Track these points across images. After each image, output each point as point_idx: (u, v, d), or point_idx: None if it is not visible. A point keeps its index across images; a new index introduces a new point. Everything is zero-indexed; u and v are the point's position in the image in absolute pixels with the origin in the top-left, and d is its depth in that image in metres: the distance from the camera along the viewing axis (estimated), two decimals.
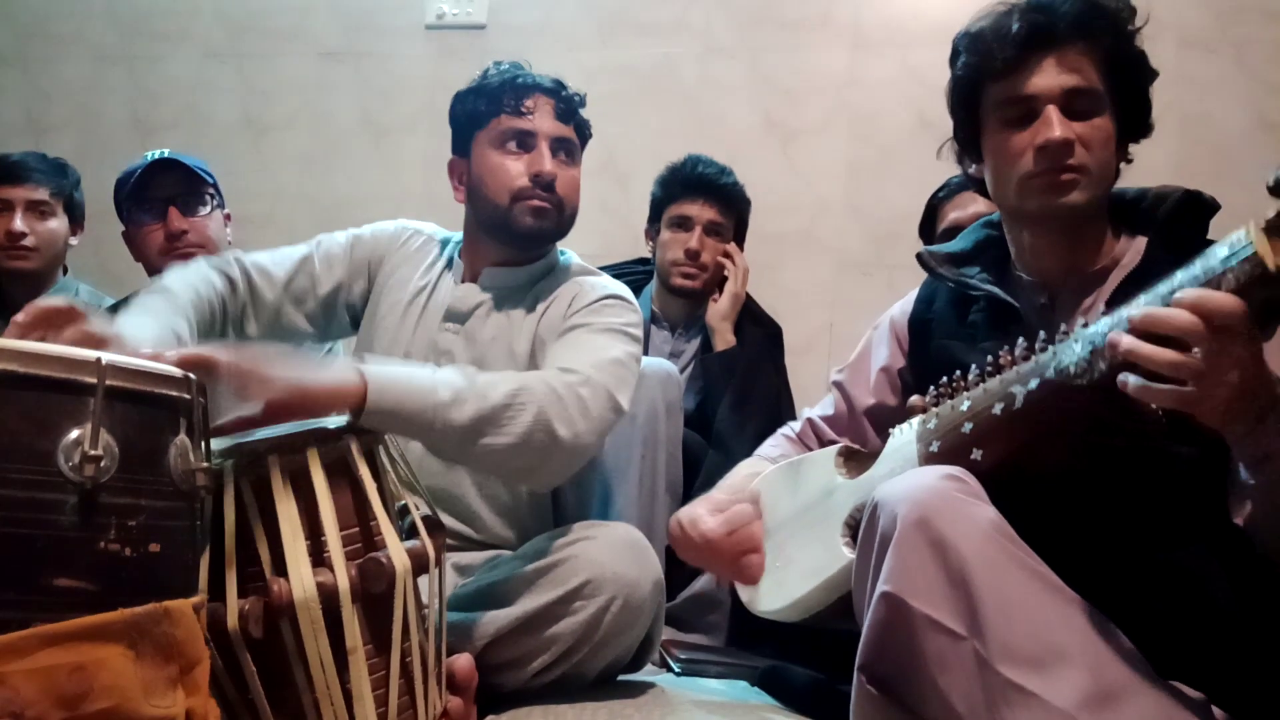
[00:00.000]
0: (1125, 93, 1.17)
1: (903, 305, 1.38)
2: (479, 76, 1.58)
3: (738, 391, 2.11)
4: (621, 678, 1.47)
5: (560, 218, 1.53)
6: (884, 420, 1.31)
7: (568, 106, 1.54)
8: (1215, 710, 0.96)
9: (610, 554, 1.32)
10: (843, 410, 1.40)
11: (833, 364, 2.52)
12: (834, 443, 1.37)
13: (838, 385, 1.42)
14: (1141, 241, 1.17)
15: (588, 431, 1.29)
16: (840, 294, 2.65)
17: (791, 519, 1.26)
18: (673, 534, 1.33)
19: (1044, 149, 1.13)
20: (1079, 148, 1.13)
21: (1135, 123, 1.19)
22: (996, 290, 1.22)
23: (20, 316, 1.04)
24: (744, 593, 1.30)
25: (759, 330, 2.29)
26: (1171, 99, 2.51)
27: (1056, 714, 0.86)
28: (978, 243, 1.30)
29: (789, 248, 2.68)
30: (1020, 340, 1.06)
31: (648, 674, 1.55)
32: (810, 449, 1.40)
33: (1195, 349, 0.85)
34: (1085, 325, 0.98)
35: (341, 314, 1.58)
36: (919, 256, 1.32)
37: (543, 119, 1.52)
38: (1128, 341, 0.88)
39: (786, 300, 2.54)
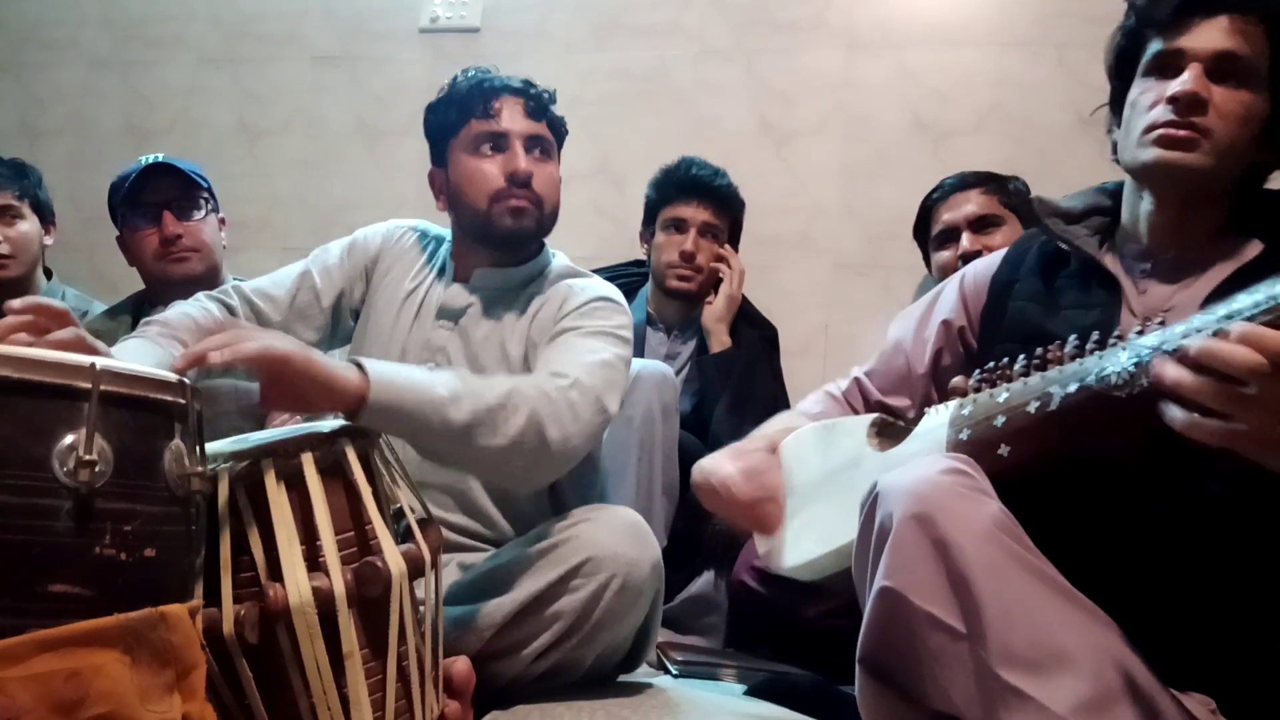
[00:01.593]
0: None
1: (984, 262, 1.33)
2: (447, 86, 1.59)
3: (734, 393, 2.12)
4: (619, 679, 1.47)
5: (541, 215, 1.53)
6: (940, 373, 1.29)
7: (537, 104, 1.55)
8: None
9: (610, 534, 1.33)
10: (897, 365, 1.35)
11: (829, 365, 2.54)
12: (879, 401, 1.35)
13: (896, 341, 1.36)
14: (1255, 244, 1.12)
15: (577, 435, 1.30)
16: (836, 295, 2.66)
17: (817, 481, 1.25)
18: (694, 481, 1.30)
19: (1173, 100, 1.09)
20: (1212, 111, 1.09)
21: None
22: (1097, 255, 1.18)
23: (16, 303, 1.05)
24: (761, 545, 1.28)
25: (755, 332, 2.30)
26: None
27: (1054, 719, 0.85)
28: (1088, 206, 1.25)
29: (784, 249, 2.68)
30: (1073, 338, 1.03)
31: (645, 675, 1.55)
32: (855, 409, 1.37)
33: (1248, 386, 0.80)
34: (1140, 333, 0.95)
35: (347, 320, 1.61)
36: (1031, 201, 1.27)
37: (512, 119, 1.53)
38: (1174, 373, 0.84)
39: (782, 302, 2.54)
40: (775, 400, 2.18)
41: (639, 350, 2.23)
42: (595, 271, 1.80)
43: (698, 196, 2.26)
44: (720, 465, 1.27)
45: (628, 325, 1.51)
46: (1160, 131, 1.10)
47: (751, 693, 1.51)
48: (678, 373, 2.19)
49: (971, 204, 2.04)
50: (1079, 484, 1.03)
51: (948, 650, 0.91)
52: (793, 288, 2.65)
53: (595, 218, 2.78)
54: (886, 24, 2.69)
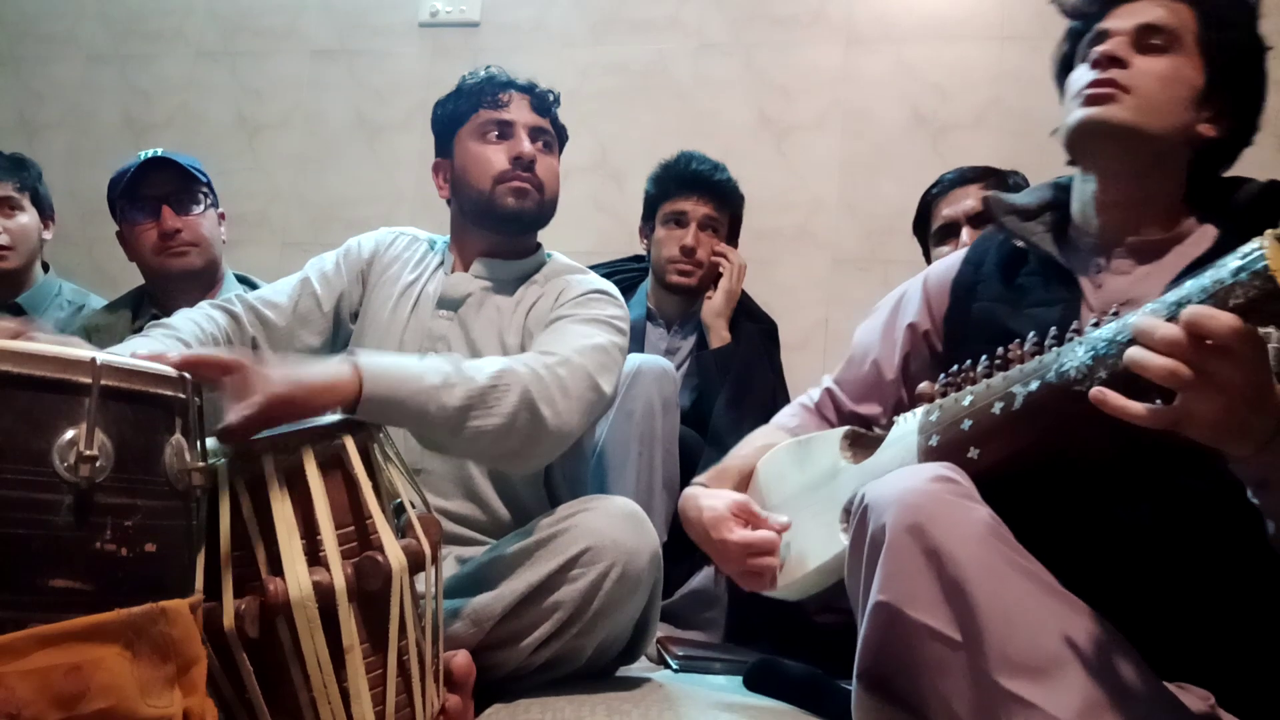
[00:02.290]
0: (1217, 53, 1.13)
1: (945, 264, 1.33)
2: (458, 83, 1.66)
3: (733, 388, 2.12)
4: (619, 673, 1.47)
5: (541, 199, 1.59)
6: (910, 377, 1.29)
7: (542, 103, 1.64)
8: (1222, 713, 0.95)
9: (609, 523, 1.33)
10: (866, 373, 1.35)
11: (829, 360, 2.54)
12: (852, 410, 1.35)
13: (863, 349, 1.36)
14: (1210, 230, 1.12)
15: (569, 411, 1.32)
16: (835, 290, 2.66)
17: (795, 498, 1.25)
18: (686, 516, 1.30)
19: (1095, 64, 1.13)
20: (1133, 70, 1.11)
21: (1227, 89, 1.14)
22: (1053, 252, 1.18)
23: None
24: None
25: (755, 326, 2.29)
26: None
27: None
28: (1043, 201, 1.26)
29: (784, 244, 2.68)
30: (1031, 335, 1.03)
31: (645, 670, 1.55)
32: (829, 419, 1.37)
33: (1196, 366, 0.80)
34: (1096, 325, 0.95)
35: (347, 325, 1.63)
36: (986, 200, 1.28)
37: (519, 110, 1.61)
38: (1129, 352, 0.84)
39: (782, 296, 2.55)
40: (775, 395, 2.18)
41: (639, 346, 2.23)
42: (594, 267, 1.80)
43: (698, 191, 2.26)
44: (723, 525, 1.25)
45: (623, 317, 1.54)
46: (1084, 93, 1.13)
47: (746, 680, 1.51)
48: (678, 368, 2.19)
49: (971, 199, 2.03)
50: (1054, 482, 1.02)
51: (946, 661, 0.90)
52: (792, 283, 2.66)
53: (594, 213, 2.78)
54: (886, 18, 2.69)
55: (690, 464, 1.94)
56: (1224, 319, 0.79)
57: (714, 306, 2.24)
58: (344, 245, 1.67)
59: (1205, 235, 1.12)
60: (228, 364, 1.04)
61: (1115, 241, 1.16)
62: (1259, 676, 0.98)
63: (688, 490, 1.33)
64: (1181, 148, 1.14)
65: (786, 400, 2.19)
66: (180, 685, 0.80)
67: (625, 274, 2.37)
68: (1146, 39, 1.13)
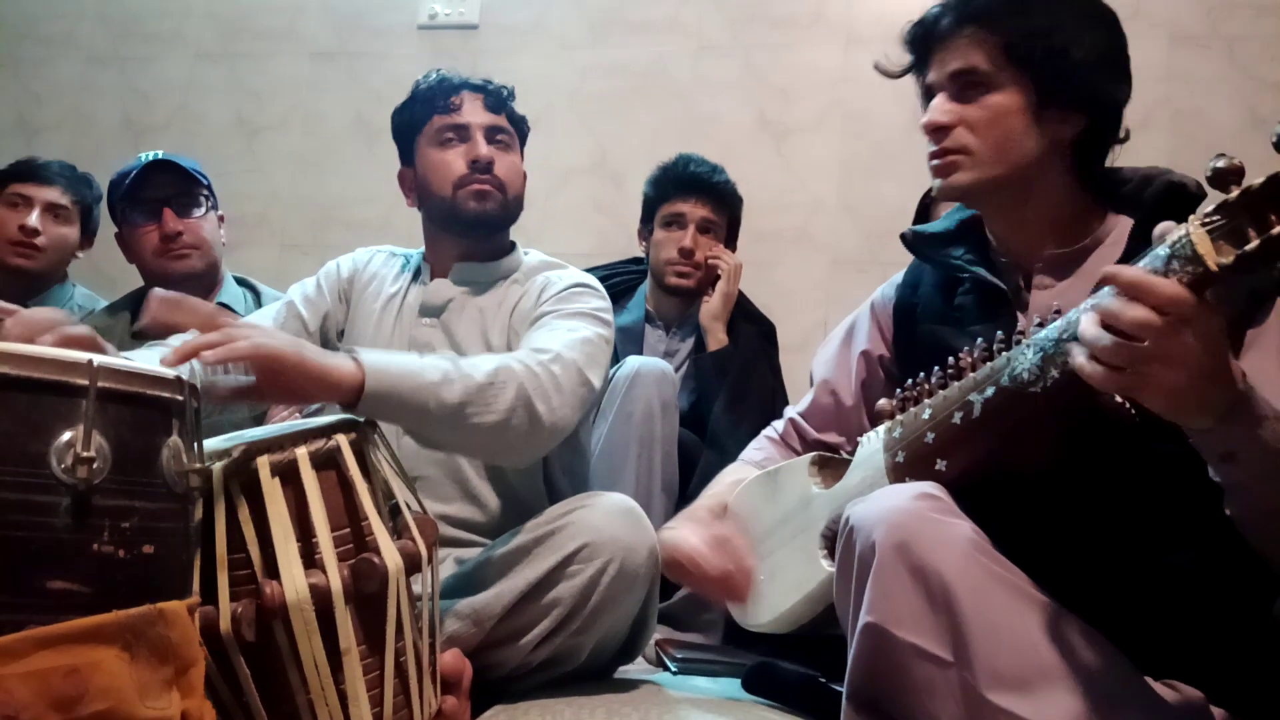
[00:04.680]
0: (1031, 63, 1.12)
1: (885, 290, 1.36)
2: (412, 89, 1.67)
3: (732, 390, 2.12)
4: (618, 675, 1.47)
5: (505, 199, 1.59)
6: (869, 403, 1.30)
7: (496, 99, 1.63)
8: (1215, 710, 0.95)
9: (606, 519, 1.33)
10: (825, 403, 1.37)
11: None
12: (816, 439, 1.37)
13: (821, 379, 1.39)
14: (1127, 223, 1.13)
15: (562, 406, 1.33)
16: (834, 291, 2.66)
17: (772, 531, 1.26)
18: (662, 556, 1.32)
19: (926, 134, 1.17)
20: (961, 129, 1.14)
21: (1056, 82, 1.11)
22: (982, 272, 1.19)
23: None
24: (734, 608, 1.30)
25: (753, 328, 2.29)
26: (1163, 95, 2.53)
27: None
28: (962, 223, 1.27)
29: (783, 245, 2.68)
30: (979, 341, 1.05)
31: (644, 672, 1.55)
32: (794, 449, 1.39)
33: (1145, 341, 0.82)
34: (1040, 325, 0.97)
35: (334, 343, 1.64)
36: (903, 236, 1.29)
37: (473, 112, 1.60)
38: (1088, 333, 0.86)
39: (781, 298, 2.55)
40: (774, 397, 2.18)
41: (638, 348, 2.23)
42: (594, 269, 1.81)
43: (696, 193, 2.26)
44: (685, 539, 1.28)
45: (606, 308, 1.55)
46: (930, 162, 1.18)
47: (745, 682, 1.51)
48: (676, 370, 2.18)
49: None
50: (1026, 488, 1.03)
51: (935, 680, 0.90)
52: (791, 284, 2.66)
53: (594, 214, 2.78)
54: (884, 19, 2.69)
55: (689, 466, 1.94)
56: (1177, 290, 0.81)
57: (711, 309, 2.23)
58: (323, 268, 1.68)
59: (1120, 235, 1.13)
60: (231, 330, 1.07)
61: (1033, 259, 1.18)
62: (1248, 670, 0.98)
63: (659, 534, 1.34)
64: (1051, 161, 1.14)
65: (785, 402, 2.20)
66: (178, 687, 0.80)
67: (624, 276, 2.37)
68: (962, 87, 1.15)
